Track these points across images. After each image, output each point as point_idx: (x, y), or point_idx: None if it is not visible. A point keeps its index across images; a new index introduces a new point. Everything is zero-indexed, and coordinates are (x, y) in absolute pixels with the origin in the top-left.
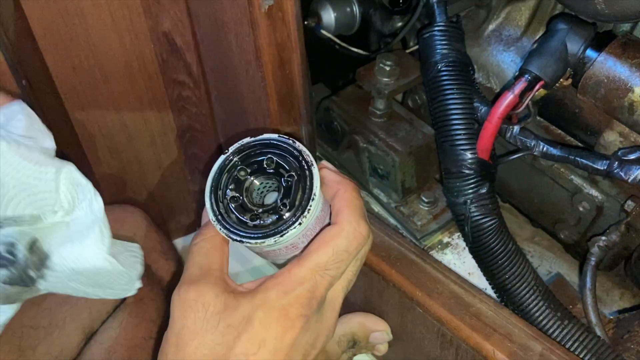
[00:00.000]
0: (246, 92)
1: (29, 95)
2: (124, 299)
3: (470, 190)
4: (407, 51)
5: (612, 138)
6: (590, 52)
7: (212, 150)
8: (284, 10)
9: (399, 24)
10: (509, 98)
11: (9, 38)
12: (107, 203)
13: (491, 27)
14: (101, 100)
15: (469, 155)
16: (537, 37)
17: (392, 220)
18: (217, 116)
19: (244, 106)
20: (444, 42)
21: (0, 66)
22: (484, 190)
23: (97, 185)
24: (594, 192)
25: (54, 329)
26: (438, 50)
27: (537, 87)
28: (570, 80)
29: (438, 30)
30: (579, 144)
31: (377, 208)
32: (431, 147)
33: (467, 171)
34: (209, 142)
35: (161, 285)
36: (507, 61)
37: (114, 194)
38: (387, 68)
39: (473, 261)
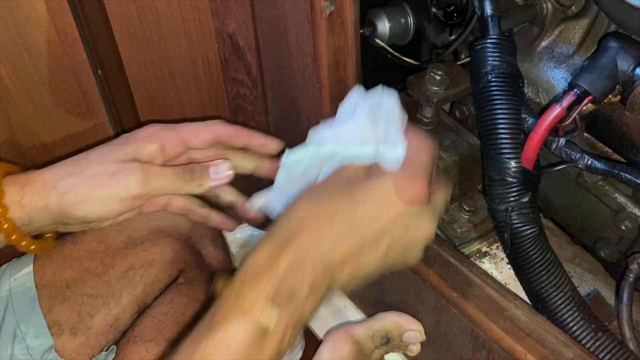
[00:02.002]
0: (301, 93)
1: (102, 84)
2: (176, 279)
3: (512, 198)
4: (458, 63)
5: None
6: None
7: None
8: (343, 17)
9: (452, 37)
10: (556, 110)
11: (90, 30)
12: None
13: (544, 43)
14: (166, 94)
15: (513, 163)
16: (590, 54)
17: None
18: (271, 114)
19: (298, 106)
20: (495, 54)
21: (80, 56)
22: (525, 199)
23: None
24: (637, 211)
25: (111, 300)
26: (489, 62)
27: (585, 101)
28: (619, 97)
29: (490, 43)
30: (625, 161)
31: None
32: (476, 157)
33: (510, 179)
34: None
35: (209, 271)
36: (557, 78)
37: None
38: (438, 77)
39: (510, 272)
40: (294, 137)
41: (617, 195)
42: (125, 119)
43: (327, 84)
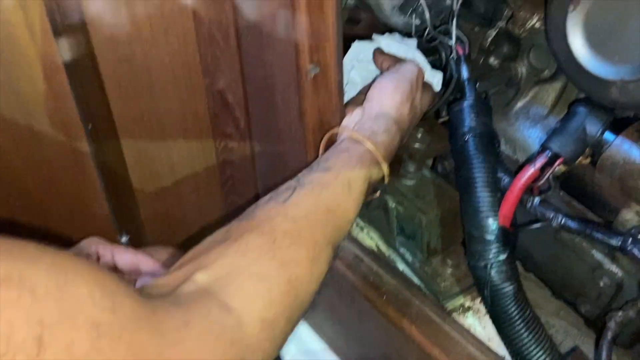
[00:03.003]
0: (287, 148)
1: (92, 137)
2: None
3: (490, 255)
4: (439, 121)
5: (629, 216)
6: (608, 135)
7: (250, 198)
8: (327, 77)
9: None
10: (530, 171)
11: (83, 89)
12: (149, 244)
13: (519, 104)
14: (155, 148)
15: (490, 221)
16: (562, 116)
17: (416, 280)
18: (258, 167)
19: (284, 159)
20: (472, 116)
21: (70, 112)
22: (503, 256)
23: (141, 226)
24: (614, 268)
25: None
26: (466, 123)
27: (557, 163)
28: (589, 159)
29: (467, 105)
30: (600, 219)
31: (402, 266)
32: (457, 211)
33: (488, 237)
34: (248, 191)
35: None
36: (533, 137)
37: (157, 234)
38: (420, 134)
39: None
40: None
41: (594, 252)
42: (112, 171)
43: (311, 140)
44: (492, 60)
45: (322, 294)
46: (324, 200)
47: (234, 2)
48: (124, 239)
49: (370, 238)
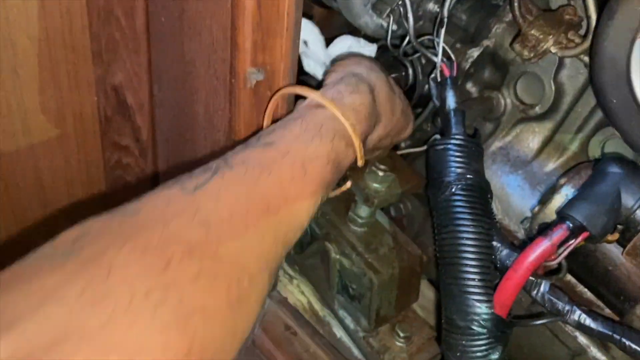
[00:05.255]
0: None
1: None
2: None
3: (478, 353)
4: (399, 153)
5: None
6: None
7: None
8: (273, 88)
9: None
10: (544, 246)
11: None
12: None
13: (498, 143)
14: (17, 158)
15: (483, 308)
16: (551, 165)
17: (356, 352)
18: None
19: None
20: (460, 160)
21: None
22: (495, 356)
23: None
24: (600, 355)
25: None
26: (453, 169)
27: (580, 238)
28: (617, 236)
29: (454, 145)
30: (605, 306)
31: (340, 333)
32: (415, 270)
33: (478, 329)
34: None
35: None
36: (513, 185)
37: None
38: (381, 173)
39: None
40: None
41: (577, 334)
42: None
43: None
44: (470, 87)
45: None
46: (261, 190)
47: None
48: None
49: (301, 293)
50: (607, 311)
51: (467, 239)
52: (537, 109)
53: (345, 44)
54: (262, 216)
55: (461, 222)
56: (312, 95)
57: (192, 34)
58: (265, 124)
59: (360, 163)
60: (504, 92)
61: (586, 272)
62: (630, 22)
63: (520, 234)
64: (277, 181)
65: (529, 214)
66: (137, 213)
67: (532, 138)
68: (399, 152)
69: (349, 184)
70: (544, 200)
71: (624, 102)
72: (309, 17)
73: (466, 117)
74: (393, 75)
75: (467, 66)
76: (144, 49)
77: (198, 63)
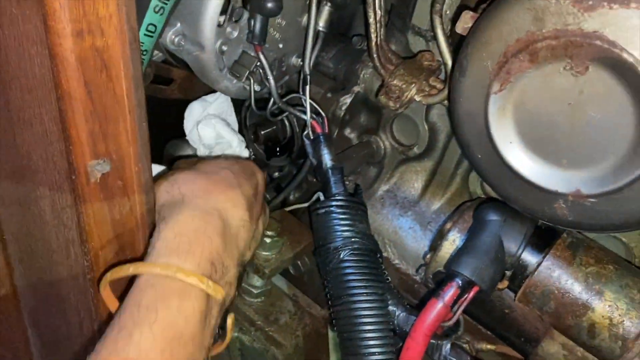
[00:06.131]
0: (62, 281)
1: None
2: None
3: None
4: (288, 209)
5: (553, 349)
6: (531, 253)
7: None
8: (125, 177)
9: (276, 174)
10: (438, 307)
11: None
12: None
13: (384, 187)
14: None
15: None
16: (437, 203)
17: None
18: (24, 303)
19: (61, 295)
20: (345, 222)
21: None
22: None
23: None
24: None
25: None
26: (338, 233)
27: (471, 293)
28: (506, 283)
29: (336, 206)
30: (509, 346)
31: None
32: (320, 332)
33: None
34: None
35: None
36: (404, 228)
37: None
38: (268, 240)
39: None
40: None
41: None
42: None
43: (101, 269)
44: (349, 133)
45: None
46: None
47: None
48: None
49: None
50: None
51: (363, 309)
52: (416, 149)
53: (210, 128)
54: None
55: (355, 292)
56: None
57: (23, 125)
58: (109, 304)
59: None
60: (381, 136)
61: (486, 316)
62: (482, 78)
63: (419, 277)
64: None
65: (423, 254)
66: None
67: (415, 178)
68: (287, 209)
69: (226, 341)
70: (433, 247)
71: (489, 158)
72: (169, 80)
73: (350, 166)
74: (267, 130)
75: (342, 114)
76: None
77: (35, 156)
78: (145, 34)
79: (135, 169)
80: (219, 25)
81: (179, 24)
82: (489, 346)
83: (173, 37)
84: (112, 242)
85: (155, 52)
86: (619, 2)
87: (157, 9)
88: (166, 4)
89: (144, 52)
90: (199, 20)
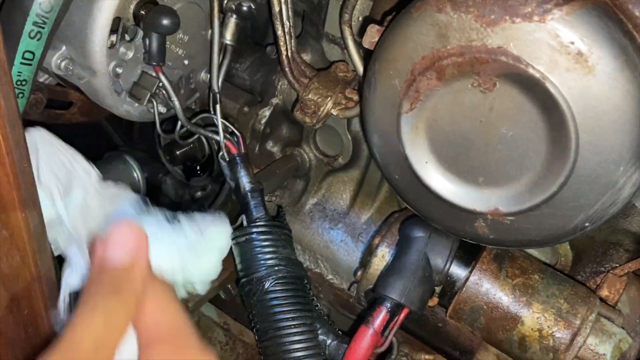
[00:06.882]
0: None
1: None
2: None
3: None
4: None
5: None
6: (458, 267)
7: None
8: (11, 226)
9: (199, 194)
10: (368, 336)
11: None
12: None
13: (312, 200)
14: None
15: None
16: (366, 213)
17: None
18: None
19: None
20: (267, 250)
21: None
22: None
23: None
24: None
25: None
26: (261, 262)
27: (402, 316)
28: (436, 300)
29: (257, 233)
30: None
31: None
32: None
33: None
34: None
35: None
36: (336, 241)
37: None
38: None
39: None
40: None
41: None
42: None
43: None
44: (271, 146)
45: None
46: None
47: None
48: None
49: None
50: None
51: (292, 342)
52: (341, 160)
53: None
54: None
55: (282, 324)
56: None
57: None
58: None
59: None
60: (305, 148)
61: (420, 331)
62: (392, 97)
63: (352, 295)
64: None
65: (354, 270)
66: None
67: (343, 188)
68: None
69: None
70: (364, 263)
71: (406, 178)
72: (67, 104)
73: (274, 183)
74: (183, 150)
75: (262, 127)
76: None
77: None
78: (22, 63)
79: (21, 215)
80: (111, 47)
81: (64, 47)
82: (427, 356)
83: (59, 61)
84: (4, 300)
85: (46, 76)
86: (521, 16)
87: (32, 34)
88: (43, 27)
89: (23, 82)
90: (86, 42)
